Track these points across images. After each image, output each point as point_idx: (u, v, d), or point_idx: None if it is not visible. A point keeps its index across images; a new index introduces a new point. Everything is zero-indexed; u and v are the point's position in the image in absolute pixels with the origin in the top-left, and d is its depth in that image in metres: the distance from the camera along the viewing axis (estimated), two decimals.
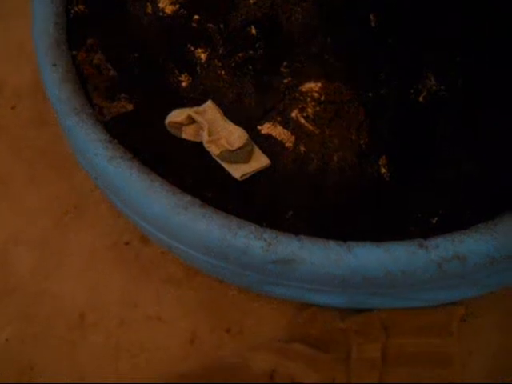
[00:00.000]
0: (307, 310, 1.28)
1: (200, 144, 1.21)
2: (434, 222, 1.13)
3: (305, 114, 1.23)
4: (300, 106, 1.24)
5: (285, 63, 1.31)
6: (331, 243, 1.08)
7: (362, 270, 1.07)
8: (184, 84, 1.31)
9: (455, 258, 1.05)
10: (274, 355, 1.26)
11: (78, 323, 1.33)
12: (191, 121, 1.22)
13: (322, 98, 1.24)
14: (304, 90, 1.26)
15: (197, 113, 1.23)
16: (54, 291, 1.37)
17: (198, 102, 1.27)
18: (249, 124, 1.25)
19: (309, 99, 1.25)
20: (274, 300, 1.31)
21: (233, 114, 1.27)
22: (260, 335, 1.29)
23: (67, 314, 1.35)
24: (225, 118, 1.25)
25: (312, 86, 1.26)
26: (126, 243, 1.40)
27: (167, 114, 1.24)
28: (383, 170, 1.21)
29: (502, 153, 1.19)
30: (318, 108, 1.24)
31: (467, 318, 1.27)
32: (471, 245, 1.05)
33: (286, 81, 1.28)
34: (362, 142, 1.22)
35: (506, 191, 1.14)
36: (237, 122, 1.24)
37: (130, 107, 1.26)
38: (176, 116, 1.22)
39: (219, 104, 1.28)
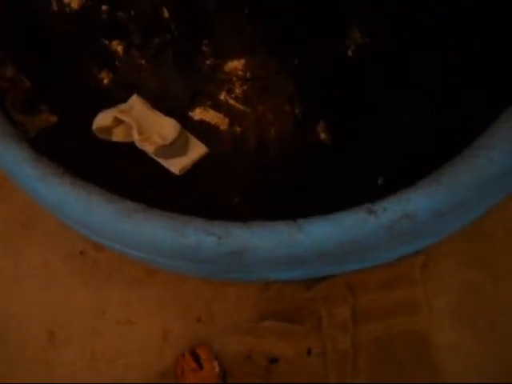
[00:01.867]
0: (272, 287, 1.29)
1: (133, 144, 1.17)
2: (380, 182, 1.12)
3: (233, 95, 1.19)
4: (227, 88, 1.20)
5: (205, 41, 1.25)
6: (281, 226, 1.07)
7: (315, 246, 1.06)
8: (106, 81, 1.25)
9: (404, 218, 1.05)
10: (248, 336, 1.27)
11: (49, 342, 1.33)
12: (119, 122, 1.18)
13: (248, 75, 1.20)
14: (228, 69, 1.21)
15: (122, 112, 1.17)
16: (19, 315, 1.35)
17: (124, 97, 1.22)
18: (179, 112, 1.21)
19: (234, 78, 1.20)
20: (239, 284, 1.32)
21: (160, 103, 1.22)
22: (230, 319, 1.30)
23: (36, 335, 1.33)
24: (153, 110, 1.20)
25: (236, 65, 1.21)
26: (81, 252, 1.38)
27: (93, 117, 1.19)
28: (323, 136, 1.19)
29: (438, 97, 1.18)
30: (245, 87, 1.19)
31: (428, 264, 1.29)
32: (418, 202, 1.05)
33: (208, 62, 1.23)
34: (296, 111, 1.19)
35: (446, 138, 1.14)
36: (166, 111, 1.20)
37: (53, 119, 1.20)
38: (102, 120, 1.16)
39: (145, 96, 1.22)
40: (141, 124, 1.18)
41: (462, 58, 1.20)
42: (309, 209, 1.11)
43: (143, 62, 1.25)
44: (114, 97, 1.24)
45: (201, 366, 1.26)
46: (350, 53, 1.24)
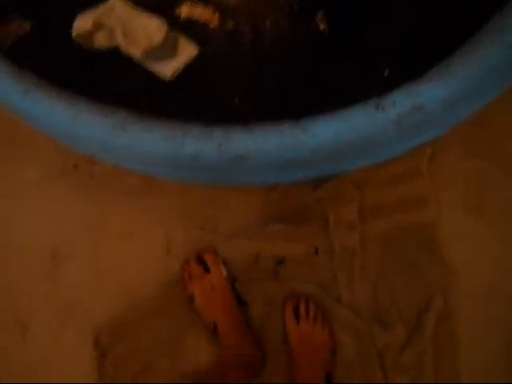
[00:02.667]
0: (277, 189, 1.26)
1: (118, 50, 1.08)
2: (387, 74, 1.06)
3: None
4: None
5: None
6: (284, 128, 1.01)
7: (321, 147, 1.01)
8: None
9: (414, 111, 1.00)
10: (254, 240, 1.25)
11: (53, 259, 1.31)
12: (100, 26, 1.08)
13: None
14: None
15: (104, 14, 1.08)
16: (20, 236, 1.32)
17: None
18: (164, 9, 1.10)
19: None
20: (242, 188, 1.28)
21: (143, 1, 1.12)
22: (236, 225, 1.28)
23: (39, 253, 1.31)
24: (136, 8, 1.10)
25: None
26: (75, 167, 1.33)
27: (72, 21, 1.09)
28: (322, 26, 1.10)
29: None
30: None
31: (435, 156, 1.25)
32: (427, 94, 0.99)
33: None
34: (292, 1, 1.10)
35: (455, 26, 1.05)
36: (150, 9, 1.10)
37: (27, 27, 1.10)
38: (81, 24, 1.06)
39: None
40: (124, 26, 1.08)
41: None
42: (313, 106, 1.05)
43: None
44: None
45: (207, 270, 1.26)
46: None
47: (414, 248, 1.23)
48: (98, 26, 1.07)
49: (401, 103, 0.99)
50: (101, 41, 1.09)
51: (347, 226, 1.23)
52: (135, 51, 1.07)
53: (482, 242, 1.24)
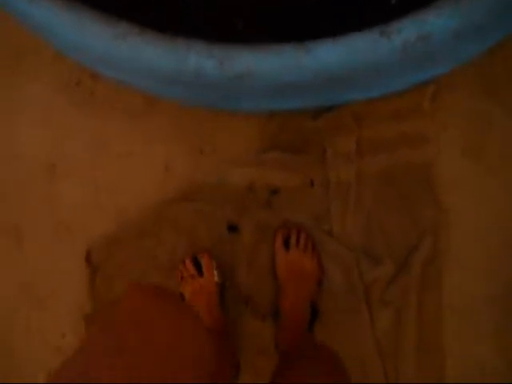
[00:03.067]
0: (277, 117, 1.25)
1: None
2: (394, 1, 1.04)
3: None
4: None
5: None
6: (288, 48, 1.00)
7: (323, 71, 1.00)
8: None
9: (419, 40, 0.99)
10: (251, 167, 1.26)
11: (51, 175, 1.32)
12: None
13: None
14: None
15: None
16: (19, 147, 1.33)
17: None
18: None
19: None
20: (243, 114, 1.27)
21: None
22: (234, 151, 1.28)
23: (38, 169, 1.32)
24: None
25: None
26: (77, 83, 1.32)
27: None
28: None
29: None
30: None
31: (438, 94, 1.24)
32: (435, 23, 0.97)
33: None
34: None
35: None
36: None
37: None
38: None
39: None
40: None
41: None
42: (318, 31, 1.04)
43: None
44: None
45: (201, 273, 1.26)
46: None
47: (409, 186, 1.23)
48: None
49: (406, 31, 0.98)
50: None
51: (344, 159, 1.23)
52: None
53: (478, 184, 1.23)
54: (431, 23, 0.99)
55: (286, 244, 1.25)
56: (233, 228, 1.26)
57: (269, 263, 1.26)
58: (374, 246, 1.24)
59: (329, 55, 1.01)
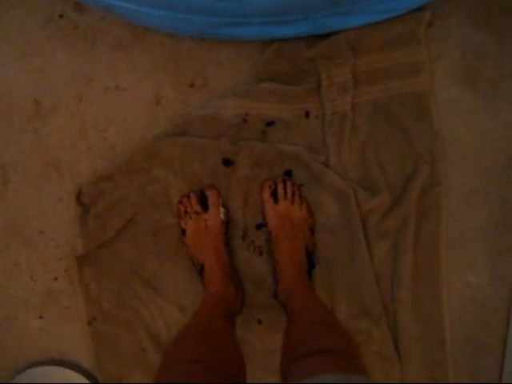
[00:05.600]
0: (270, 47, 1.21)
1: None
2: None
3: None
4: None
5: None
6: None
7: None
8: None
9: None
10: (244, 99, 1.22)
11: (36, 111, 1.27)
12: None
13: None
14: None
15: None
16: (1, 86, 1.27)
17: None
18: None
19: None
20: (234, 44, 1.23)
21: None
22: (226, 83, 1.25)
23: (22, 106, 1.27)
24: None
25: None
26: (61, 16, 1.26)
27: None
28: None
29: None
30: None
31: (434, 23, 1.22)
32: None
33: None
34: None
35: None
36: None
37: None
38: None
39: None
40: None
41: None
42: None
43: None
44: None
45: (206, 209, 1.24)
46: None
47: (405, 115, 1.21)
48: None
49: None
50: None
51: (340, 89, 1.20)
52: None
53: (472, 113, 1.22)
54: None
55: (274, 196, 1.23)
56: (227, 161, 1.23)
57: None
58: (371, 176, 1.23)
59: None
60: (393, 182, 1.23)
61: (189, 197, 1.24)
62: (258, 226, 1.26)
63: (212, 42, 1.23)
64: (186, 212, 1.24)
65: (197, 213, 1.23)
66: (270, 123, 1.23)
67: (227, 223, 1.26)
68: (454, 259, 1.24)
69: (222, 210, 1.24)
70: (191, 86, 1.25)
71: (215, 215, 1.23)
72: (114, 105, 1.26)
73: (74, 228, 1.27)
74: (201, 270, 1.22)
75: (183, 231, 1.24)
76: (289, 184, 1.24)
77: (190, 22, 1.09)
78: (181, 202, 1.25)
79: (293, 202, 1.23)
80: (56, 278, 1.31)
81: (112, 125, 1.26)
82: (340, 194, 1.22)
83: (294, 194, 1.24)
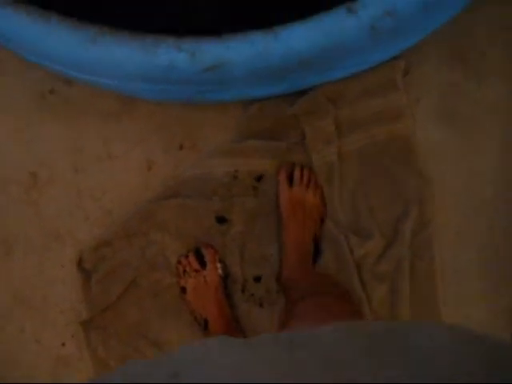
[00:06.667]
0: (253, 106, 1.25)
1: None
2: None
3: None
4: None
5: None
6: (257, 36, 1.01)
7: (294, 54, 1.02)
8: None
9: (386, 15, 1.00)
10: (232, 157, 1.26)
11: (32, 183, 1.31)
12: None
13: None
14: None
15: None
16: None
17: None
18: None
19: None
20: (218, 106, 1.28)
21: None
22: (213, 143, 1.29)
23: (18, 178, 1.31)
24: None
25: None
26: (51, 91, 1.31)
27: None
28: None
29: None
30: None
31: (409, 70, 1.26)
32: None
33: None
34: None
35: None
36: None
37: None
38: None
39: None
40: None
41: None
42: (285, 13, 1.05)
43: None
44: None
45: (204, 266, 1.26)
46: None
47: (390, 160, 1.24)
48: None
49: (372, 6, 1.00)
50: None
51: (324, 140, 1.23)
52: None
53: (456, 151, 1.25)
54: None
55: (290, 180, 1.25)
56: (221, 219, 1.27)
57: (261, 249, 1.27)
58: (362, 221, 1.25)
59: (298, 39, 1.02)
60: (384, 226, 1.26)
61: (187, 256, 1.27)
62: (257, 279, 1.28)
63: (198, 104, 1.28)
64: (185, 271, 1.27)
65: (196, 270, 1.26)
66: (260, 177, 1.27)
67: (225, 278, 1.28)
68: (450, 295, 1.26)
69: (219, 265, 1.27)
70: (180, 148, 1.29)
71: (214, 271, 1.26)
72: (108, 173, 1.30)
73: (77, 294, 1.31)
74: (205, 325, 1.25)
75: (183, 289, 1.27)
76: (306, 170, 1.26)
77: (175, 92, 1.14)
78: (179, 262, 1.28)
79: (307, 188, 1.25)
80: (64, 344, 1.33)
81: (107, 192, 1.30)
82: (333, 242, 1.24)
83: (310, 181, 1.26)
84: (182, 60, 1.01)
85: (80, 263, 1.30)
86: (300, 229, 1.23)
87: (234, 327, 1.24)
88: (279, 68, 1.05)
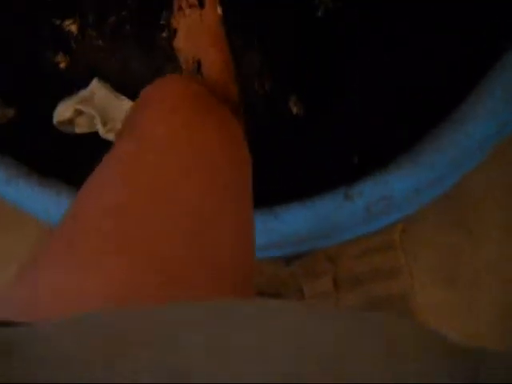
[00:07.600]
0: None
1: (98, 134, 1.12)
2: (356, 161, 1.10)
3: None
4: None
5: (164, 14, 1.17)
6: (257, 215, 1.05)
7: (292, 232, 1.06)
8: (62, 65, 1.17)
9: (382, 200, 1.04)
10: None
11: None
12: (81, 112, 1.12)
13: None
14: None
15: (83, 101, 1.11)
16: None
17: (85, 81, 1.15)
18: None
19: None
20: None
21: (123, 84, 1.16)
22: None
23: None
24: (116, 94, 1.15)
25: None
26: None
27: (53, 106, 1.13)
28: (296, 110, 1.14)
29: (414, 70, 1.12)
30: None
31: (407, 229, 1.29)
32: (396, 184, 1.03)
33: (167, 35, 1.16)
34: (266, 87, 1.14)
35: (421, 112, 1.10)
36: (131, 92, 1.15)
37: (10, 113, 1.14)
38: (62, 112, 1.10)
39: (106, 77, 1.16)
40: (104, 113, 1.13)
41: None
42: (283, 192, 1.09)
43: (100, 41, 1.17)
44: (73, 81, 1.17)
45: (201, 5, 1.08)
46: (319, 14, 1.17)
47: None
48: (78, 112, 1.11)
49: (369, 193, 1.04)
50: (82, 126, 1.13)
51: (322, 296, 1.26)
52: (114, 138, 1.11)
53: (454, 310, 1.27)
54: (392, 185, 1.05)
55: None
56: None
57: None
58: None
59: (296, 219, 1.06)
60: None
61: None
62: None
63: None
64: (179, 8, 1.10)
65: (191, 6, 1.08)
66: None
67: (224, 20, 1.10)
68: None
69: (219, 7, 1.09)
70: None
71: (212, 9, 1.08)
72: None
73: None
74: (198, 68, 1.05)
75: (175, 32, 1.09)
76: None
77: None
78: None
79: None
80: None
81: None
82: None
83: None
84: None
85: None
86: None
87: (232, 70, 1.04)
88: (277, 243, 1.08)
